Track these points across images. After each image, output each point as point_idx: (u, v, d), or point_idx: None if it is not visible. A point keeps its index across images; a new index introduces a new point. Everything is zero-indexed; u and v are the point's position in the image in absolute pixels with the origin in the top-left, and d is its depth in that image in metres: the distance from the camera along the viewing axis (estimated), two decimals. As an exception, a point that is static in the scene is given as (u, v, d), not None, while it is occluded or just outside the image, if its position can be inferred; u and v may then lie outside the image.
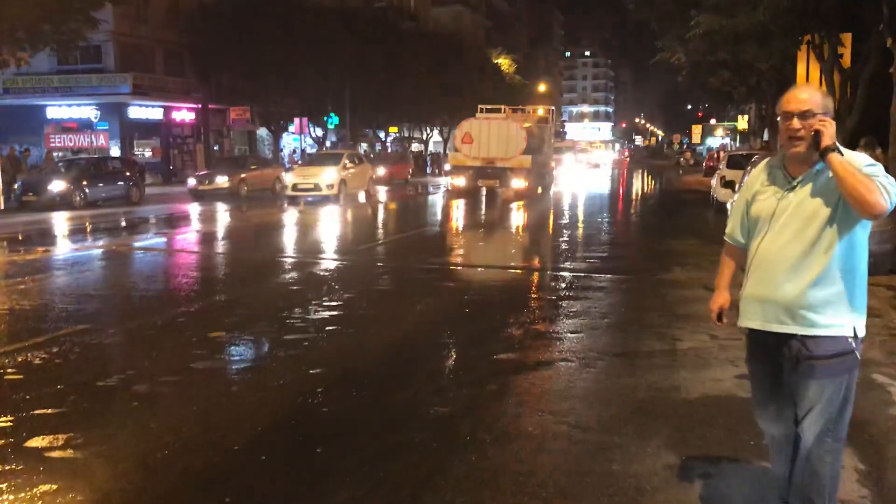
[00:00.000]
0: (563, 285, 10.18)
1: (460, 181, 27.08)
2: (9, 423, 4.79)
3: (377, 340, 7.11)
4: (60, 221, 19.40)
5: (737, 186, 13.78)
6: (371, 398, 5.48)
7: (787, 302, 3.04)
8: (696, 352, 6.70)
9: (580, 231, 17.69)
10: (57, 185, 23.72)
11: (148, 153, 40.69)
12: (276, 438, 4.69)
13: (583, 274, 10.97)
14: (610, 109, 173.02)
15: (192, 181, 28.44)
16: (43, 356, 6.31)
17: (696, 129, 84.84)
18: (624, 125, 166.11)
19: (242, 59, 37.21)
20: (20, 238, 15.36)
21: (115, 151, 36.80)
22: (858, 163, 2.92)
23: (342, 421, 5.02)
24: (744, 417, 4.93)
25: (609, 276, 10.85)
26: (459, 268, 12.16)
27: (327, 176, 24.83)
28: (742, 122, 61.87)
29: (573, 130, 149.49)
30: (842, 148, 2.98)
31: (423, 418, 5.05)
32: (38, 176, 25.83)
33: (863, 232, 3.03)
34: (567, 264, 12.31)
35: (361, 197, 26.47)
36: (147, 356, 6.37)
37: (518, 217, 21.18)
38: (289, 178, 26.24)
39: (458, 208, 23.68)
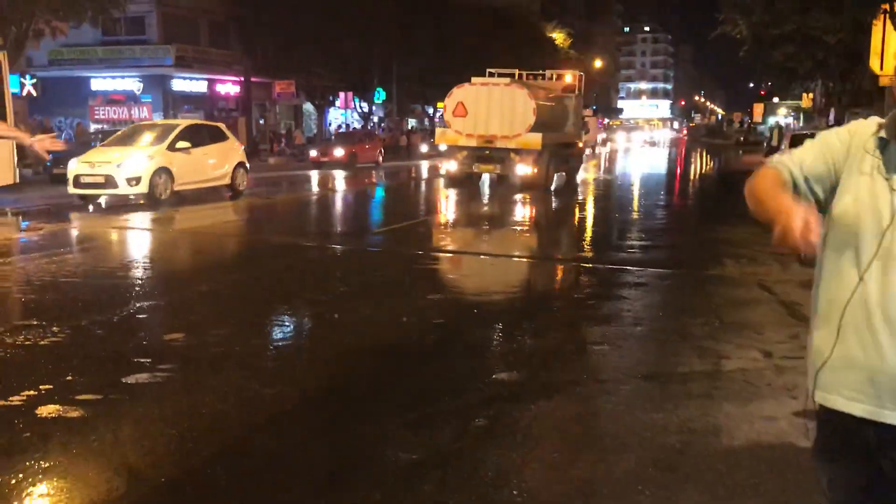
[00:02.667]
0: (594, 280, 8.93)
1: (451, 165, 21.21)
2: None
3: (356, 350, 5.97)
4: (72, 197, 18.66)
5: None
6: (325, 433, 4.36)
7: None
8: (744, 375, 5.42)
9: (619, 216, 16.29)
10: (86, 158, 23.14)
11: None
12: (178, 496, 3.59)
13: (618, 267, 9.68)
14: (668, 87, 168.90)
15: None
16: (-43, 362, 5.35)
17: (758, 108, 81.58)
18: (682, 103, 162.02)
19: (286, 30, 36.29)
20: (19, 214, 14.44)
21: (159, 124, 36.35)
22: None
23: (279, 467, 3.90)
24: (803, 480, 3.69)
25: (649, 269, 9.53)
26: (478, 256, 10.96)
27: (130, 163, 15.47)
28: (806, 101, 59.06)
29: (630, 108, 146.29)
30: None
31: (382, 466, 3.90)
32: (69, 149, 25.23)
33: None
34: (601, 255, 11.01)
35: (221, 194, 17.82)
36: (76, 365, 5.34)
37: (534, 207, 17.43)
38: (72, 166, 16.19)
39: (416, 206, 18.44)
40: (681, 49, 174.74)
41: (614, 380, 5.28)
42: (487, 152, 20.51)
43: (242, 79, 39.87)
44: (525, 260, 10.91)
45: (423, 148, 43.77)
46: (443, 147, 21.89)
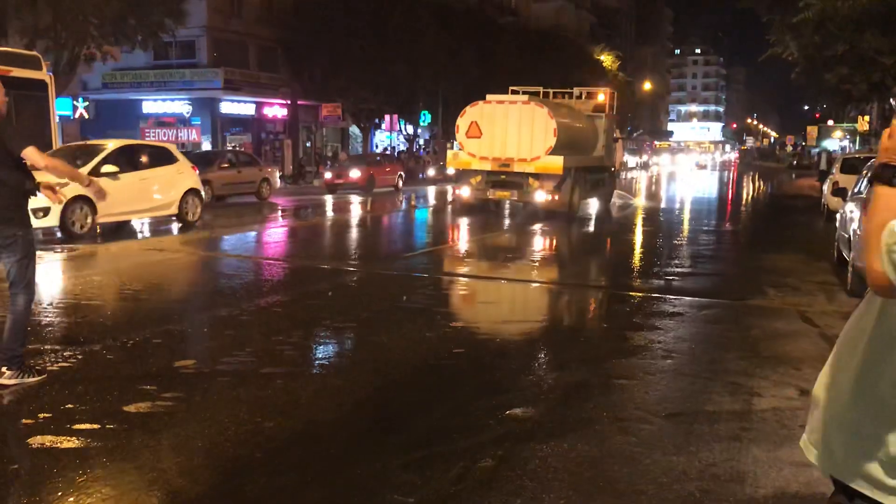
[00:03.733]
0: (626, 309, 8.60)
1: (463, 191, 19.59)
2: None
3: (369, 381, 5.75)
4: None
5: (849, 194, 11.79)
6: (324, 470, 4.14)
7: None
8: (777, 415, 5.08)
9: (656, 244, 15.86)
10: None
11: (240, 149, 40.66)
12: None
13: (653, 295, 9.33)
14: (720, 109, 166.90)
15: None
16: (-38, 387, 5.27)
17: (812, 131, 79.94)
18: (734, 126, 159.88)
19: (333, 54, 36.63)
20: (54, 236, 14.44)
21: (207, 146, 36.87)
22: None
23: (267, 508, 3.71)
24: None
25: (686, 298, 9.16)
26: (503, 282, 10.69)
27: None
28: (863, 123, 57.66)
29: (681, 130, 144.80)
30: None
31: (376, 510, 3.68)
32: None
33: None
34: (633, 283, 10.66)
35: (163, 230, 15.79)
36: (80, 391, 5.21)
37: (560, 234, 16.28)
38: None
39: (439, 232, 17.30)
40: (733, 71, 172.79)
41: (636, 418, 4.98)
42: (503, 177, 18.80)
43: (289, 102, 40.41)
44: (551, 287, 10.59)
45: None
46: (450, 171, 20.11)
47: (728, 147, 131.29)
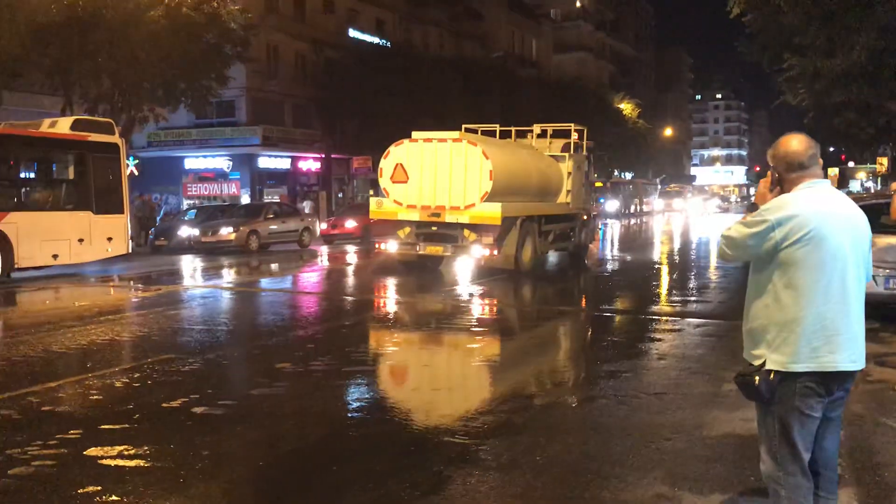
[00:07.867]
0: (636, 328, 10.28)
1: (390, 245, 16.66)
2: (77, 435, 5.44)
3: (435, 379, 7.47)
4: (177, 264, 20.88)
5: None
6: (403, 426, 5.85)
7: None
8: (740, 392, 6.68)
9: (661, 276, 17.47)
10: (184, 231, 25.57)
11: (276, 200, 42.88)
12: (297, 463, 5.13)
13: (664, 318, 11.00)
14: (743, 152, 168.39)
15: (188, 230, 25.10)
16: (125, 380, 7.04)
17: (832, 172, 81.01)
18: (758, 168, 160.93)
19: (364, 110, 38.89)
20: (136, 280, 16.51)
21: (245, 199, 39.06)
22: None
23: (360, 444, 5.42)
24: (757, 455, 4.98)
25: (688, 319, 10.82)
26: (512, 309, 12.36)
27: None
28: (881, 165, 58.78)
29: (704, 174, 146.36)
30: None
31: (467, 435, 5.36)
32: (168, 223, 27.83)
33: (772, 267, 3.19)
34: (648, 307, 12.33)
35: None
36: (214, 382, 6.98)
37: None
38: None
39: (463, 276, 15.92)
40: (755, 115, 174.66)
41: (630, 395, 6.63)
42: (434, 228, 15.97)
43: (323, 156, 42.67)
44: (570, 314, 12.28)
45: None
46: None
47: (752, 190, 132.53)
